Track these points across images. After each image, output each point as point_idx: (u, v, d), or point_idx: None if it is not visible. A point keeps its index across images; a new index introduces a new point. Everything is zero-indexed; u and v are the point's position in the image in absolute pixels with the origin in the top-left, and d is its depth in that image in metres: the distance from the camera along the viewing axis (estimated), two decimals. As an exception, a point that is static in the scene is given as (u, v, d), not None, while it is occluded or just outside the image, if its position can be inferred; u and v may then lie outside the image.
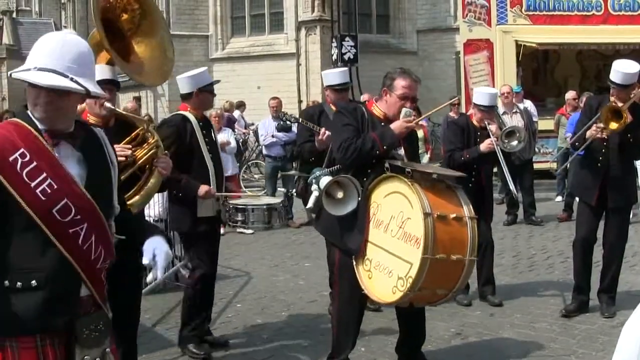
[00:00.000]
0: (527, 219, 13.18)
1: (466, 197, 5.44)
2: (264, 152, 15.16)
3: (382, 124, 5.71)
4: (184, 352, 6.76)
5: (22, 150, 3.03)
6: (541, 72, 21.65)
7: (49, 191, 3.05)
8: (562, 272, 9.28)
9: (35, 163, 3.04)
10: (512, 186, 7.62)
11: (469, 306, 7.95)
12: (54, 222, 3.06)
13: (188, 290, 6.91)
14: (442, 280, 5.17)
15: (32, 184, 3.02)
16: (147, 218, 8.86)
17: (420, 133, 14.66)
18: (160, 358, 6.75)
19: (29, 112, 3.13)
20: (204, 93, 6.70)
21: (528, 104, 14.54)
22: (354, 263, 5.55)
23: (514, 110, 13.01)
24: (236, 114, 19.87)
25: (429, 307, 6.69)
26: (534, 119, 14.08)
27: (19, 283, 3.01)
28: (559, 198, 14.95)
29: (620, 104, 7.10)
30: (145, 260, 3.54)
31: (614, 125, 7.04)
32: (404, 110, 5.65)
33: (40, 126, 3.11)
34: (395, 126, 5.60)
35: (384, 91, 5.85)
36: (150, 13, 5.62)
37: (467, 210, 5.30)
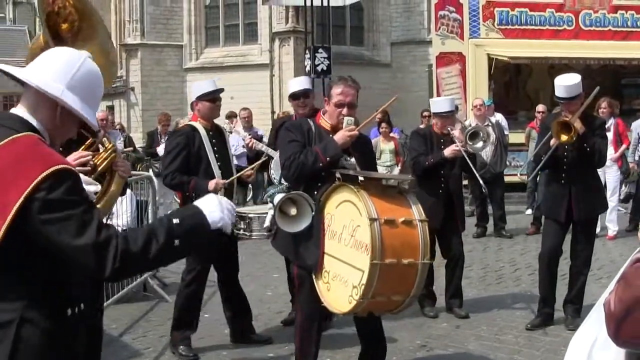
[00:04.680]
0: (496, 232, 13.24)
1: (416, 200, 5.36)
2: (235, 162, 15.14)
3: (330, 135, 5.66)
4: (173, 353, 6.96)
5: None
6: (513, 85, 21.78)
7: None
8: (529, 285, 9.33)
9: None
10: (481, 181, 7.65)
11: (436, 318, 7.99)
12: None
13: (179, 293, 7.20)
14: (397, 286, 5.12)
15: None
16: (115, 227, 8.87)
17: (391, 145, 14.78)
18: (126, 368, 6.73)
19: (30, 120, 2.97)
20: (202, 102, 7.03)
21: (499, 117, 14.63)
22: (314, 278, 5.51)
23: (486, 123, 13.07)
24: (226, 125, 19.44)
25: (394, 317, 6.74)
26: (505, 132, 14.19)
27: (77, 309, 2.99)
28: (529, 211, 15.04)
29: (569, 117, 7.24)
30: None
31: (564, 138, 7.19)
32: (346, 119, 5.59)
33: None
34: (337, 137, 5.54)
35: (325, 101, 5.86)
36: (88, 18, 5.59)
37: (417, 213, 5.22)
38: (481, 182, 7.72)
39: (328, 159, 5.47)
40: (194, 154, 6.92)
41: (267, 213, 6.35)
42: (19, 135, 2.85)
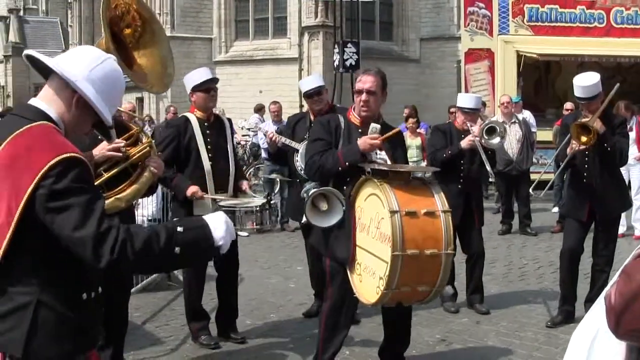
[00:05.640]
0: (522, 229, 13.20)
1: (440, 189, 5.42)
2: (263, 155, 15.26)
3: (360, 130, 5.75)
4: (195, 342, 7.03)
5: None
6: (542, 83, 21.64)
7: None
8: (551, 283, 9.30)
9: None
10: (489, 167, 7.66)
11: (456, 313, 8.01)
12: None
13: (184, 287, 7.27)
14: (421, 277, 5.19)
15: None
16: (140, 218, 8.98)
17: (418, 141, 14.79)
18: (149, 355, 6.80)
19: (47, 111, 3.05)
20: (197, 93, 6.87)
21: (527, 115, 14.58)
22: (347, 270, 5.61)
23: (513, 121, 13.07)
24: (255, 117, 19.52)
25: (414, 312, 6.76)
26: (533, 130, 14.13)
27: (92, 293, 3.07)
28: (556, 209, 14.95)
29: (589, 117, 7.19)
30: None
31: (584, 139, 7.14)
32: (371, 126, 5.63)
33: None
34: (360, 142, 5.60)
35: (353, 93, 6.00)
36: (153, 30, 5.73)
37: (440, 204, 5.28)
38: (489, 168, 7.70)
39: (347, 163, 5.58)
40: (184, 145, 6.76)
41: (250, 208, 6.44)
42: (34, 124, 2.95)
